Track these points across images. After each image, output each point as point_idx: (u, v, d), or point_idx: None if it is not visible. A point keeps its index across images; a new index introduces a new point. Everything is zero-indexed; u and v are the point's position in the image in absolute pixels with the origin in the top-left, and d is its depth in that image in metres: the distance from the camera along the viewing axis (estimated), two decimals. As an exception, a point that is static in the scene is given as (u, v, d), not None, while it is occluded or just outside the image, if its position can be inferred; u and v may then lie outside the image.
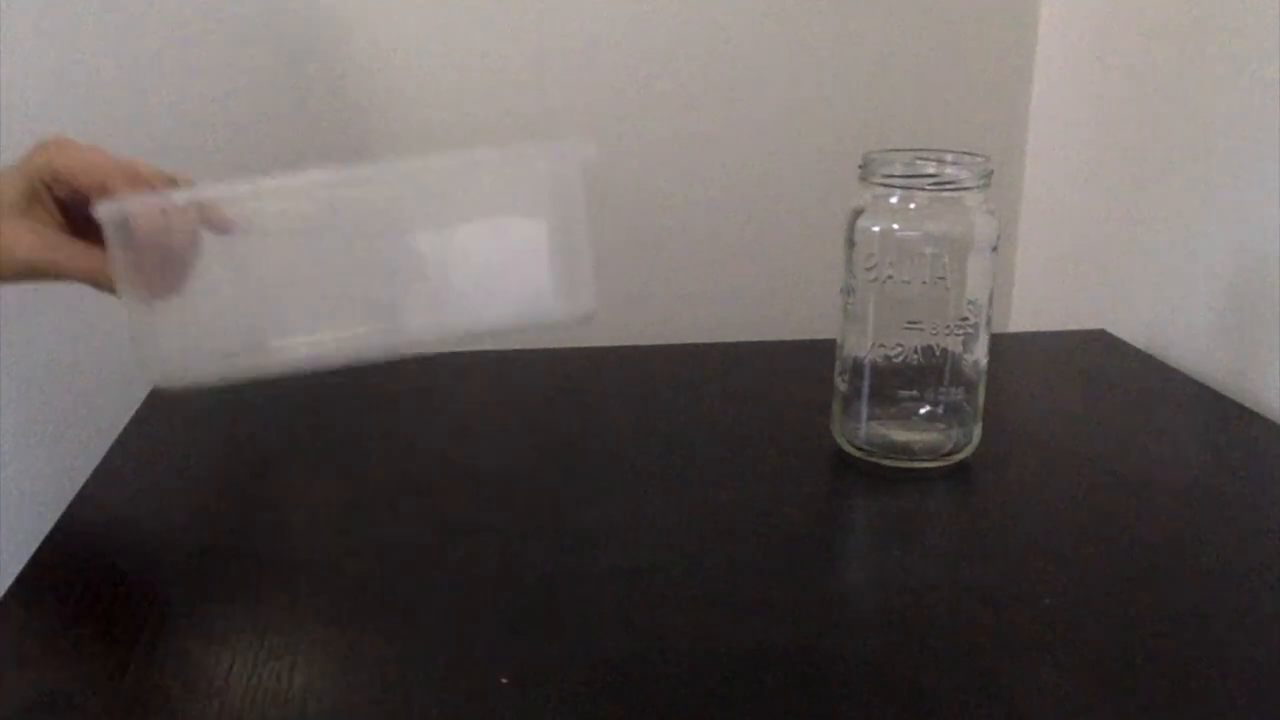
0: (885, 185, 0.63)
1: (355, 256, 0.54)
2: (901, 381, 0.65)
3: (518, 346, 0.87)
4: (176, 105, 0.91)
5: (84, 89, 0.89)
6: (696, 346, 0.90)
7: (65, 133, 0.55)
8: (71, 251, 0.54)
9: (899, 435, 0.66)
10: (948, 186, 0.63)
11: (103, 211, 0.51)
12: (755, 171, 1.02)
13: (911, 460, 0.66)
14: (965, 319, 0.64)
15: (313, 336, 0.53)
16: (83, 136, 0.54)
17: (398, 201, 0.54)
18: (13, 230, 0.53)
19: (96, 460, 0.69)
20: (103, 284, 0.54)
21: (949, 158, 0.64)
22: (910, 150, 0.65)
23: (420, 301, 0.55)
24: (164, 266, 0.53)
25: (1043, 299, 1.06)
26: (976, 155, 0.63)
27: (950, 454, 0.66)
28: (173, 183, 0.54)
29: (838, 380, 0.68)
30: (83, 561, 0.58)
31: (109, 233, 0.51)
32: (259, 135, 0.93)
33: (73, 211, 0.55)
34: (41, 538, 0.59)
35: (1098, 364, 0.87)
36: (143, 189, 0.53)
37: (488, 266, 0.54)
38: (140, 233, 0.51)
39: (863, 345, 0.65)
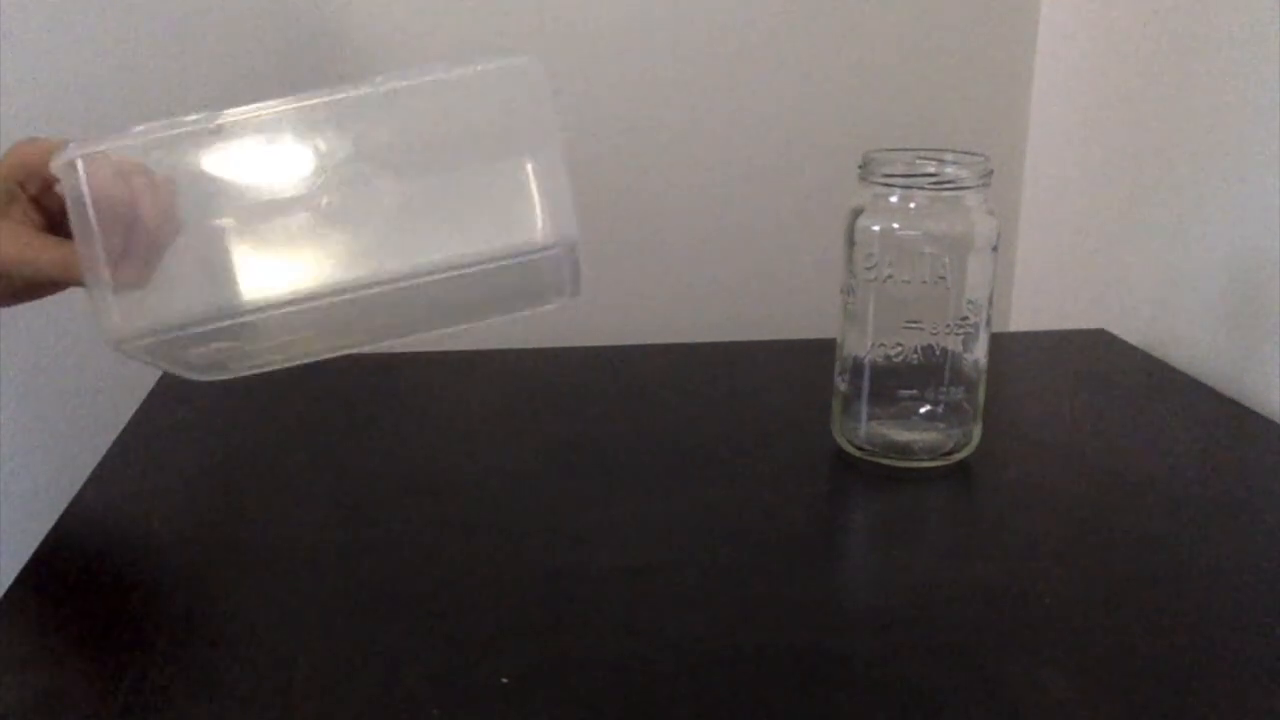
0: (885, 185, 0.63)
1: (318, 197, 0.50)
2: (901, 381, 0.65)
3: (517, 346, 0.87)
4: (175, 101, 0.91)
5: (83, 89, 0.89)
6: (696, 346, 0.90)
7: (63, 126, 0.54)
8: (49, 246, 0.53)
9: (899, 435, 0.66)
10: (948, 186, 0.63)
11: (54, 162, 0.49)
12: (755, 171, 1.02)
13: (911, 460, 0.66)
14: (965, 319, 0.64)
15: (287, 290, 0.49)
16: (80, 132, 0.54)
17: (358, 132, 0.50)
18: None
19: (96, 460, 0.69)
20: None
21: (949, 158, 0.64)
22: (910, 150, 0.65)
23: (392, 239, 0.50)
24: (132, 243, 0.49)
25: (1043, 299, 1.06)
26: (976, 155, 0.63)
27: (950, 454, 0.66)
28: (148, 173, 0.51)
29: (838, 380, 0.68)
30: (82, 561, 0.58)
31: (64, 183, 0.49)
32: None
33: (51, 212, 0.54)
34: (41, 538, 0.59)
35: (1098, 364, 0.87)
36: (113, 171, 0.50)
37: (459, 195, 0.51)
38: (96, 180, 0.48)
39: (863, 345, 0.65)
